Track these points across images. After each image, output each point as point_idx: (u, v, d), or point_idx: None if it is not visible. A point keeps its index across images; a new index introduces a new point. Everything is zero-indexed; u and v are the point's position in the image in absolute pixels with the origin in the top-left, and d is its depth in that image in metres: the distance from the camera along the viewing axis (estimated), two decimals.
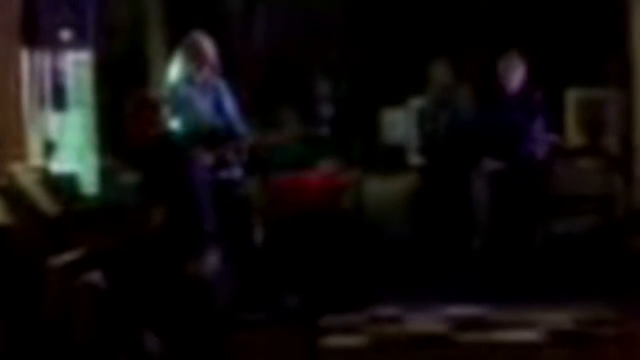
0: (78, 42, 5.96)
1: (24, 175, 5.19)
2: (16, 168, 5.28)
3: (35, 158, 5.78)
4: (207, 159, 5.57)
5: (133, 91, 5.25)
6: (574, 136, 7.57)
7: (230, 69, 6.09)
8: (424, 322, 5.83)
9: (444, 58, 6.99)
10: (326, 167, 6.79)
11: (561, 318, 5.78)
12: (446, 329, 5.67)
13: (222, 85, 5.98)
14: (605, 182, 7.33)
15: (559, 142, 7.30)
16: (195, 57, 5.87)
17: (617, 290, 6.30)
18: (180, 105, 5.77)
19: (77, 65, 6.11)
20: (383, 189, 7.06)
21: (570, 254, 6.80)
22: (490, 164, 6.69)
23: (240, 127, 5.95)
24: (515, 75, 6.69)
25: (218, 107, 5.93)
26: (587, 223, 7.06)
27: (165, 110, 4.88)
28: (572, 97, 7.57)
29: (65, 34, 5.88)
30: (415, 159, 7.18)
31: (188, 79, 5.89)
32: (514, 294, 6.21)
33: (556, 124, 7.18)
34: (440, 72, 6.97)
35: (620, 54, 7.35)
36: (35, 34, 5.79)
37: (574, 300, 6.12)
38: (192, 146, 5.21)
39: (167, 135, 4.86)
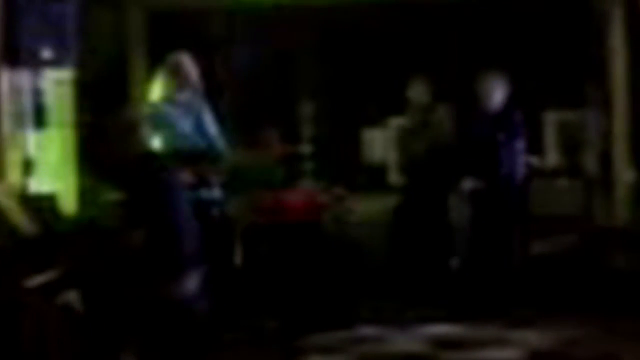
0: (58, 61, 5.94)
1: (2, 194, 5.16)
2: None
3: (15, 177, 5.75)
4: (187, 178, 5.56)
5: (113, 110, 5.24)
6: (553, 156, 7.63)
7: (212, 89, 6.10)
8: (405, 341, 5.84)
9: (423, 77, 7.02)
10: (307, 186, 6.80)
11: (540, 337, 5.81)
12: (426, 348, 5.68)
13: (203, 105, 5.99)
14: (584, 202, 7.38)
15: (538, 162, 7.35)
16: (177, 76, 5.88)
17: (596, 310, 6.33)
18: (161, 125, 5.77)
19: (57, 84, 6.10)
20: (364, 208, 7.07)
21: (548, 273, 6.83)
22: (469, 184, 6.72)
23: (222, 146, 5.95)
24: (496, 95, 6.73)
25: (199, 127, 5.93)
26: (566, 243, 7.09)
27: (146, 130, 4.87)
28: (551, 118, 7.63)
29: (46, 53, 5.87)
30: (395, 178, 7.20)
31: (169, 98, 5.89)
32: (493, 313, 6.24)
33: (535, 145, 7.23)
34: (419, 92, 7.01)
35: (598, 76, 7.43)
36: (16, 52, 5.77)
37: (553, 320, 6.15)
38: (172, 165, 5.21)
39: (148, 154, 4.84)
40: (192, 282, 4.58)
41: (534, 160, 7.17)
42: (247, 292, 6.13)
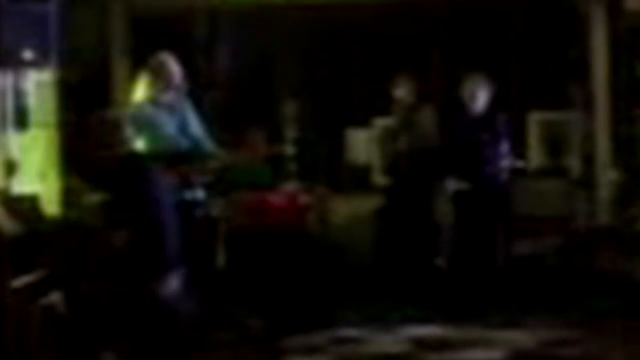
0: (40, 62, 5.92)
1: None
2: None
3: None
4: (170, 179, 5.54)
5: (95, 111, 5.21)
6: (536, 157, 7.66)
7: (195, 89, 6.09)
8: (387, 342, 5.85)
9: (407, 78, 7.03)
10: (291, 187, 6.79)
11: (523, 338, 5.82)
12: (409, 349, 5.69)
13: (187, 106, 5.97)
14: (568, 202, 7.41)
15: (521, 163, 7.37)
16: (160, 77, 5.85)
17: (579, 310, 6.36)
18: (145, 126, 5.74)
19: (39, 86, 6.08)
20: (348, 209, 7.08)
21: (532, 273, 6.85)
22: (453, 184, 6.73)
23: (208, 147, 5.93)
24: (481, 96, 6.74)
25: (183, 127, 5.91)
26: (550, 243, 7.11)
27: (129, 130, 4.85)
28: (535, 119, 7.66)
29: (28, 54, 5.85)
30: (379, 179, 7.21)
31: (153, 99, 5.86)
32: (476, 314, 6.25)
33: (519, 146, 7.25)
34: (403, 92, 7.01)
35: (581, 77, 7.47)
36: None
37: (537, 320, 6.16)
38: (156, 166, 5.19)
39: (131, 155, 4.83)
40: (174, 283, 4.57)
41: (518, 159, 7.19)
42: (231, 293, 6.12)
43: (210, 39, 7.86)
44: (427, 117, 7.01)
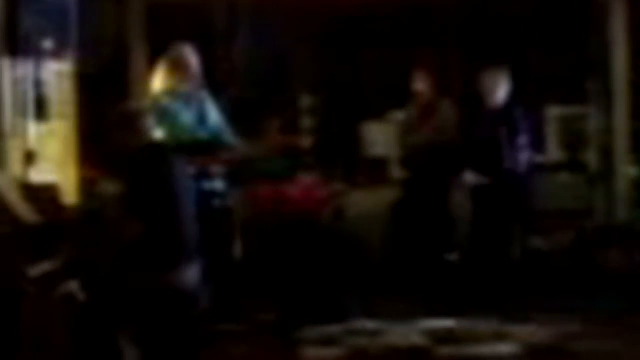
0: (60, 52, 5.95)
1: (4, 184, 5.18)
2: None
3: (16, 167, 5.77)
4: (189, 169, 5.57)
5: (116, 101, 5.25)
6: (554, 151, 7.63)
7: (212, 80, 6.11)
8: (402, 334, 5.86)
9: (426, 72, 7.02)
10: (307, 179, 6.81)
11: (538, 332, 5.82)
12: (424, 341, 5.70)
13: (206, 97, 5.99)
14: (585, 197, 7.38)
15: (539, 157, 7.35)
16: (179, 68, 5.87)
17: (594, 305, 6.34)
18: (163, 117, 5.76)
19: (58, 76, 6.12)
20: (364, 202, 7.08)
21: (547, 268, 6.84)
22: (471, 178, 6.72)
23: (228, 137, 5.95)
24: (500, 90, 6.73)
25: (201, 118, 5.93)
26: (567, 238, 7.10)
27: (150, 121, 4.88)
28: (553, 113, 7.63)
29: (48, 44, 5.88)
30: (396, 172, 7.20)
31: (171, 90, 5.89)
32: (491, 308, 6.25)
33: (537, 140, 7.23)
34: (422, 86, 7.00)
35: (599, 70, 7.43)
36: (18, 43, 5.78)
37: (550, 315, 6.15)
38: (176, 156, 5.22)
39: (153, 144, 4.85)
40: (192, 273, 4.60)
41: (536, 153, 7.17)
42: (246, 284, 6.15)
43: (228, 28, 7.87)
44: (446, 111, 7.00)
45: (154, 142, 4.84)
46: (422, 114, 7.02)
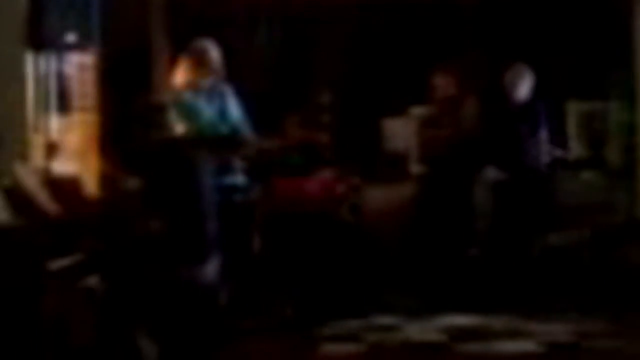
0: (82, 46, 5.98)
1: (27, 176, 5.21)
2: (19, 169, 5.30)
3: (38, 159, 5.81)
4: (211, 164, 5.58)
5: (139, 96, 5.26)
6: (576, 148, 7.59)
7: (233, 75, 6.11)
8: (422, 331, 5.85)
9: (448, 67, 6.99)
10: (326, 175, 6.80)
11: (559, 329, 5.80)
12: (444, 338, 5.69)
13: (227, 92, 5.99)
14: (607, 193, 7.34)
15: (562, 153, 7.31)
16: (201, 63, 5.89)
17: (616, 303, 6.31)
18: (185, 112, 5.78)
19: (81, 69, 6.14)
20: (384, 198, 7.07)
21: (568, 264, 6.81)
22: (493, 174, 6.70)
23: (246, 132, 5.95)
24: (522, 86, 6.71)
25: (223, 113, 5.94)
26: (588, 234, 7.06)
27: (172, 116, 4.89)
28: (575, 109, 7.59)
29: (70, 38, 5.90)
30: (416, 168, 7.19)
31: (193, 85, 5.90)
32: (511, 305, 6.23)
33: (559, 136, 7.19)
34: (444, 82, 6.98)
35: (623, 66, 7.37)
36: (40, 36, 5.81)
37: (572, 312, 6.13)
38: (198, 152, 5.23)
39: (175, 139, 4.87)
40: (212, 267, 4.62)
41: (558, 149, 7.13)
42: (265, 279, 6.16)
43: (249, 23, 7.86)
44: (469, 107, 6.97)
45: (175, 138, 4.86)
46: (443, 109, 7.00)
